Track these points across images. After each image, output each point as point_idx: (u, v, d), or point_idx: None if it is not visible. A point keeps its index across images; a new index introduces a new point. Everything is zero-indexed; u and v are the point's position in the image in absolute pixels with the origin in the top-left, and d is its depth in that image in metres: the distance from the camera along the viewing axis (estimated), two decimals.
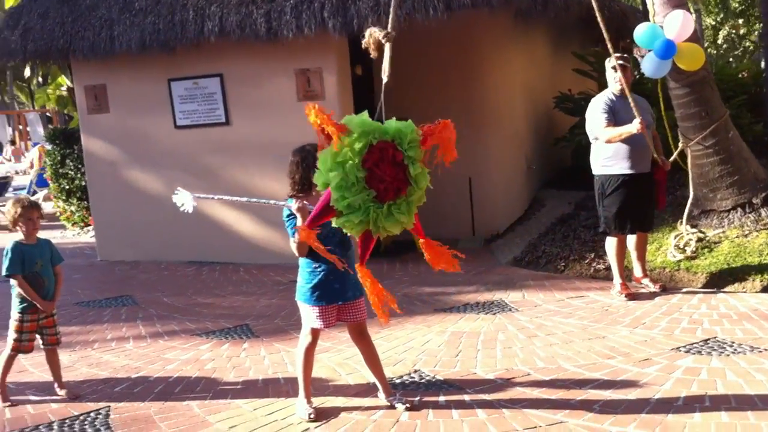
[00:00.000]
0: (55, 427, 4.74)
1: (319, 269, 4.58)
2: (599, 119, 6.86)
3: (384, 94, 4.29)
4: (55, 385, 5.30)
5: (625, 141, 6.76)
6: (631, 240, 7.18)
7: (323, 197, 3.81)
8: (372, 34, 4.57)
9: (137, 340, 6.58)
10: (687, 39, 6.83)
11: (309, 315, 4.66)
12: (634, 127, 6.56)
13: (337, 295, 4.62)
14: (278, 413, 4.78)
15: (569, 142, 11.33)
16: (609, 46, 6.46)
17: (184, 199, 4.43)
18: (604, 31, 6.34)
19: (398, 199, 3.85)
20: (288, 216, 4.55)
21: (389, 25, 4.53)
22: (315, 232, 3.89)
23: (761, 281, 6.86)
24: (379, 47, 4.64)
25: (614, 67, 6.77)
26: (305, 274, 4.64)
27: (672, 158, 7.31)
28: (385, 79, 4.43)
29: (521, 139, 11.03)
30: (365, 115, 3.90)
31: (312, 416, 4.62)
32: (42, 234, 5.40)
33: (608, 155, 6.89)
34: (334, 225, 3.84)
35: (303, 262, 4.65)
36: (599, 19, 6.36)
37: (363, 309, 4.76)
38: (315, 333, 4.72)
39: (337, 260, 4.05)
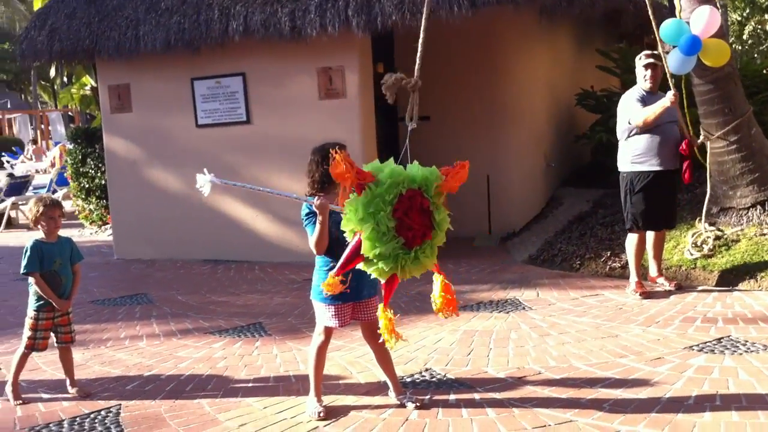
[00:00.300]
0: (66, 425, 4.76)
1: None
2: (634, 106, 6.87)
3: (410, 134, 4.58)
4: (67, 383, 5.33)
5: (654, 138, 6.77)
6: (650, 238, 7.13)
7: (354, 244, 3.98)
8: (395, 83, 4.68)
9: (150, 338, 6.61)
10: (713, 35, 6.77)
11: (324, 314, 4.66)
12: (668, 99, 6.60)
13: (353, 294, 4.61)
14: (288, 411, 4.78)
15: (589, 140, 11.26)
16: (658, 42, 6.47)
17: (203, 181, 4.45)
18: (654, 28, 6.36)
19: (423, 244, 4.07)
20: (306, 214, 4.55)
21: (416, 73, 4.80)
22: (342, 285, 4.03)
23: None
24: (396, 93, 4.74)
25: (646, 66, 6.88)
26: (322, 273, 4.62)
27: (698, 141, 7.28)
28: (412, 126, 4.72)
29: (541, 137, 10.98)
30: (392, 163, 4.17)
31: (321, 414, 4.62)
32: (60, 232, 5.42)
33: (638, 152, 6.88)
34: (362, 268, 4.02)
35: (320, 260, 4.65)
36: (651, 15, 6.38)
37: (376, 307, 4.75)
38: (328, 332, 4.72)
39: None
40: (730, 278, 7.03)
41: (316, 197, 4.43)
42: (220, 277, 9.10)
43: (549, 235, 9.28)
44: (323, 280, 4.59)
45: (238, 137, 9.91)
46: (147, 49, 9.72)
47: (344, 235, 4.33)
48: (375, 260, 3.96)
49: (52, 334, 5.31)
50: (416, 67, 4.79)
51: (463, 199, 10.49)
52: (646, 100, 6.85)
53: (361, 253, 3.94)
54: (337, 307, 4.61)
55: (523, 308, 6.81)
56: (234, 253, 9.97)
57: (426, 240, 4.07)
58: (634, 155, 6.92)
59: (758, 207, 7.74)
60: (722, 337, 5.58)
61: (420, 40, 4.84)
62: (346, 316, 4.66)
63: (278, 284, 8.45)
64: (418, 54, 4.83)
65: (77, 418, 4.86)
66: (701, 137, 7.56)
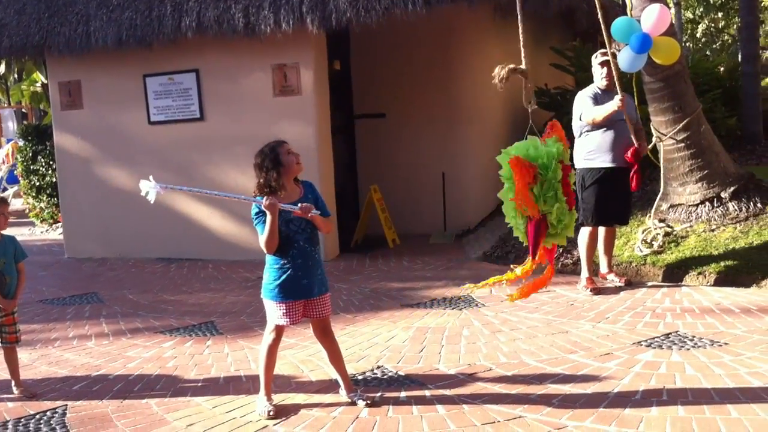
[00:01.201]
0: (10, 426, 4.67)
1: (287, 266, 4.55)
2: (587, 103, 6.94)
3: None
4: (12, 383, 5.23)
5: (606, 135, 6.85)
6: (601, 234, 7.20)
7: (531, 229, 4.82)
8: (509, 73, 5.45)
9: (99, 338, 6.52)
10: (663, 33, 6.83)
11: (274, 312, 4.62)
12: (615, 103, 6.65)
13: (304, 292, 4.59)
14: (238, 411, 4.73)
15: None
16: (606, 41, 6.50)
17: (149, 187, 4.40)
18: (603, 28, 6.41)
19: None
20: (256, 213, 4.52)
21: (523, 63, 5.50)
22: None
23: (725, 276, 6.88)
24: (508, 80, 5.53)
25: (602, 64, 6.95)
26: (273, 271, 4.59)
27: (649, 145, 7.36)
28: (531, 107, 5.58)
29: (496, 134, 11.02)
30: (533, 143, 4.86)
31: (271, 413, 4.58)
32: (11, 231, 5.32)
33: (591, 149, 6.94)
34: (548, 243, 4.88)
35: (270, 259, 4.60)
36: (600, 16, 6.42)
37: (328, 305, 4.74)
38: (279, 330, 4.68)
39: None
40: (679, 274, 7.12)
41: (265, 197, 4.40)
42: (172, 275, 9.01)
43: (503, 232, 9.31)
44: (275, 278, 4.57)
45: (191, 134, 9.82)
46: (98, 46, 9.60)
47: (294, 232, 4.39)
48: (560, 231, 4.82)
49: None
50: (522, 55, 5.54)
51: (420, 197, 10.56)
52: (600, 98, 6.91)
53: (547, 231, 4.79)
54: (287, 304, 4.57)
55: (476, 305, 6.83)
56: (187, 251, 9.88)
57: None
58: (587, 152, 6.99)
59: (707, 204, 7.85)
60: (670, 333, 5.65)
61: (520, 30, 5.66)
62: (297, 314, 4.63)
63: (231, 282, 8.39)
64: (521, 42, 5.61)
65: (22, 419, 4.77)
66: (654, 139, 7.66)
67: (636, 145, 6.87)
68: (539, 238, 4.85)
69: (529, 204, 4.76)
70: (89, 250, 10.46)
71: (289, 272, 4.54)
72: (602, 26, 6.53)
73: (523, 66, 5.41)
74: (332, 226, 4.88)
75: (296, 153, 4.58)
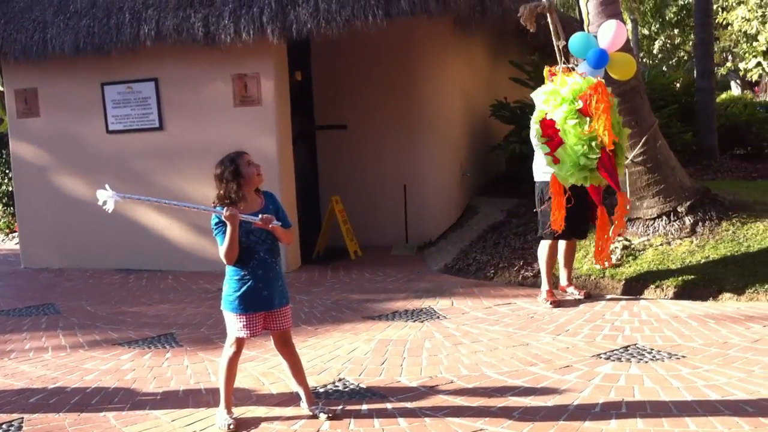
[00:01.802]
0: None
1: (247, 277, 4.52)
2: None
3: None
4: None
5: None
6: (561, 247, 7.26)
7: (606, 159, 6.08)
8: (531, 11, 6.34)
9: (56, 350, 6.41)
10: (620, 49, 6.93)
11: (234, 324, 4.59)
12: None
13: (264, 303, 4.57)
14: (197, 424, 4.69)
15: (503, 150, 11.40)
16: (559, 58, 6.62)
17: (106, 197, 4.37)
18: (556, 46, 6.53)
19: None
20: (216, 223, 4.49)
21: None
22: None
23: (683, 289, 6.98)
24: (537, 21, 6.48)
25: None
26: (233, 282, 4.57)
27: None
28: (561, 42, 6.41)
29: (457, 147, 11.09)
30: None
31: (231, 427, 4.55)
32: None
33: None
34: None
35: (230, 270, 4.58)
36: (553, 32, 6.52)
37: (289, 317, 4.72)
38: (240, 342, 4.65)
39: None
40: (637, 287, 7.21)
41: (225, 208, 4.38)
42: (131, 286, 8.90)
43: (464, 244, 9.38)
44: (235, 289, 4.55)
45: (150, 144, 9.73)
46: (55, 53, 9.48)
47: (254, 243, 4.38)
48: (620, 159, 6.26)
49: None
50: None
51: (381, 208, 10.57)
52: None
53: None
54: (248, 316, 4.55)
55: (438, 317, 6.85)
56: (147, 262, 9.78)
57: None
58: (545, 166, 7.02)
59: (663, 218, 7.97)
60: (629, 345, 5.71)
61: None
62: (257, 326, 4.60)
63: (191, 294, 8.31)
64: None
65: None
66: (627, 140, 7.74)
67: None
68: (615, 167, 6.12)
69: (609, 131, 5.92)
70: (46, 260, 10.30)
71: (249, 284, 4.52)
72: (554, 42, 6.63)
73: (545, 1, 6.15)
74: (292, 237, 4.88)
75: (257, 164, 4.57)
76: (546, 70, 6.63)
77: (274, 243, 4.60)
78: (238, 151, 4.57)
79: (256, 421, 4.66)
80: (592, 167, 6.16)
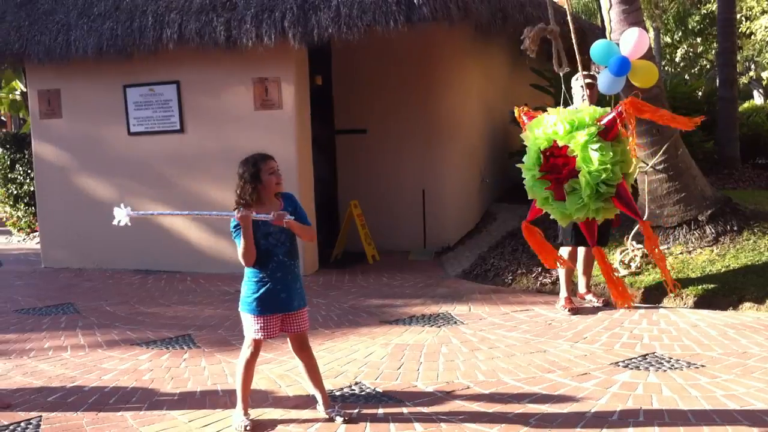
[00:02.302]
0: None
1: (266, 279, 4.54)
2: None
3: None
4: None
5: None
6: (581, 254, 7.24)
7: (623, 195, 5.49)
8: (538, 33, 5.89)
9: (75, 349, 6.46)
10: (642, 56, 6.90)
11: (252, 326, 4.60)
12: None
13: (283, 306, 4.58)
14: (214, 425, 4.71)
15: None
16: (579, 63, 6.57)
17: (121, 216, 4.50)
18: (576, 51, 6.46)
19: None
20: (235, 226, 4.51)
21: (551, 22, 5.81)
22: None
23: (703, 298, 6.94)
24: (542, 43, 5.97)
25: (583, 86, 6.94)
26: (251, 284, 4.58)
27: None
28: (562, 71, 5.91)
29: (476, 153, 11.08)
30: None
31: (248, 428, 4.56)
32: None
33: None
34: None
35: (249, 272, 4.60)
36: (573, 39, 6.46)
37: (306, 319, 4.73)
38: (257, 344, 4.66)
39: None
40: (657, 295, 7.17)
41: (237, 210, 4.40)
42: (150, 287, 8.95)
43: (482, 250, 9.36)
44: (253, 291, 4.56)
45: (171, 146, 9.78)
46: (78, 55, 9.55)
47: (273, 245, 4.40)
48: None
49: None
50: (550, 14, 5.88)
51: (399, 213, 10.57)
52: None
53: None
54: (265, 318, 4.56)
55: (455, 322, 6.84)
56: (166, 263, 9.82)
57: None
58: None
59: (684, 226, 7.92)
60: (647, 354, 5.68)
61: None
62: (274, 328, 4.61)
63: (210, 295, 8.34)
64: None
65: None
66: (637, 168, 7.70)
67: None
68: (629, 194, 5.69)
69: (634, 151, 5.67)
70: (66, 260, 10.38)
71: (267, 286, 4.54)
72: (575, 48, 6.58)
73: (552, 26, 5.57)
74: (313, 233, 4.85)
75: (279, 174, 4.55)
76: (516, 110, 6.35)
77: (293, 245, 4.61)
78: (265, 155, 4.56)
79: (273, 424, 4.68)
80: (609, 196, 5.63)
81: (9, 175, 13.33)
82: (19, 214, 13.35)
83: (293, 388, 5.29)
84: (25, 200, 13.11)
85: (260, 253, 4.49)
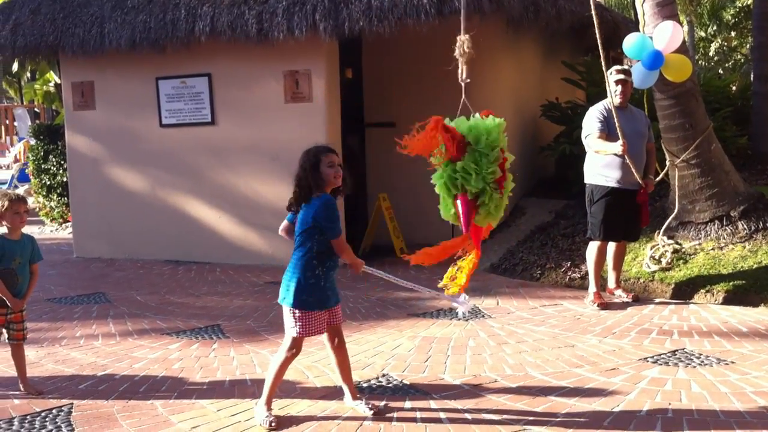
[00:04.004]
0: (16, 423, 4.69)
1: (321, 274, 4.53)
2: (593, 127, 6.91)
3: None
4: (19, 380, 5.25)
5: (620, 154, 6.77)
6: (610, 249, 7.19)
7: (463, 204, 4.82)
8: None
9: (106, 338, 6.53)
10: (675, 50, 6.84)
11: (308, 321, 4.52)
12: (617, 148, 6.63)
13: (329, 301, 4.60)
14: (242, 414, 4.74)
15: (553, 151, 11.32)
16: (602, 58, 6.51)
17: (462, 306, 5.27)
18: (600, 45, 6.40)
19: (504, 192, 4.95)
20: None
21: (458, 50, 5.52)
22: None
23: (734, 294, 6.87)
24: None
25: (617, 81, 6.88)
26: (309, 279, 4.50)
27: (659, 178, 7.38)
28: (463, 81, 5.46)
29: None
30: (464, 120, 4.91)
31: (273, 424, 4.51)
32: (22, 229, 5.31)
33: (601, 166, 6.93)
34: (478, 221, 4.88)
35: (304, 264, 4.50)
36: (597, 32, 6.40)
37: (341, 313, 4.77)
38: (299, 344, 4.61)
39: None
40: (687, 291, 7.11)
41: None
42: (180, 278, 9.02)
43: (511, 245, 9.33)
44: (312, 284, 4.50)
45: (202, 138, 9.85)
46: (112, 47, 9.63)
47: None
48: (493, 212, 4.85)
49: (4, 331, 5.22)
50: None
51: (428, 206, 10.53)
52: (609, 116, 6.86)
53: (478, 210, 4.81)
54: (319, 314, 4.56)
55: (483, 316, 6.83)
56: (196, 254, 9.90)
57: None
58: (596, 168, 6.98)
59: (716, 222, 7.84)
60: (677, 350, 5.64)
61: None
62: (324, 323, 4.61)
63: (239, 286, 8.39)
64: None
65: (28, 416, 4.78)
66: (667, 163, 7.66)
67: (643, 186, 6.85)
68: (470, 214, 4.89)
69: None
70: (98, 250, 10.49)
71: (322, 280, 4.53)
72: (598, 41, 6.48)
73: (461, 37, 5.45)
74: (344, 248, 4.73)
75: (339, 169, 4.52)
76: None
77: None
78: (327, 147, 4.55)
79: (297, 419, 4.67)
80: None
81: (42, 166, 13.48)
82: (52, 204, 13.50)
83: (320, 379, 5.32)
84: (58, 191, 13.25)
85: (328, 250, 4.52)
